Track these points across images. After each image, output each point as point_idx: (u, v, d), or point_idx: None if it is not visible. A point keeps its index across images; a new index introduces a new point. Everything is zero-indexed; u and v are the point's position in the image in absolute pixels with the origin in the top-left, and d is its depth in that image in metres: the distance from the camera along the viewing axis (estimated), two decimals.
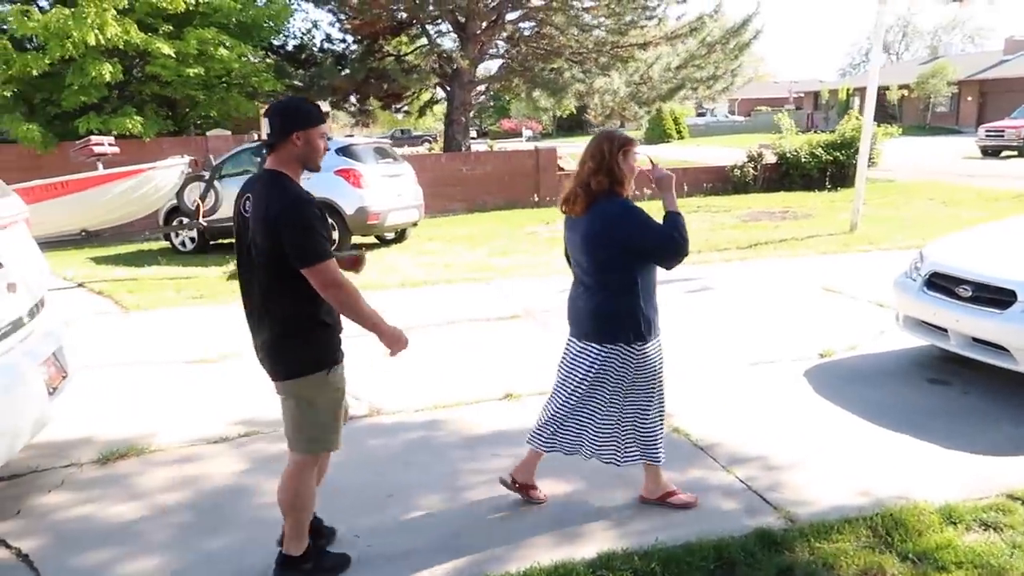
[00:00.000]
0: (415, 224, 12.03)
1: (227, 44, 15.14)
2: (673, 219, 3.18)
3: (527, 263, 9.67)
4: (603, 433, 3.43)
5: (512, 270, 9.29)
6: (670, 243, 3.13)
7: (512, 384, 5.21)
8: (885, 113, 46.27)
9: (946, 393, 4.94)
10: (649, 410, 3.40)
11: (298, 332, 2.76)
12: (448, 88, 19.78)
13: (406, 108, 24.79)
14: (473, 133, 66.49)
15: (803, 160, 17.03)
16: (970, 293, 4.82)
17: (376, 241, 12.08)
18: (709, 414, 4.67)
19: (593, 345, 3.28)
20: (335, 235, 11.42)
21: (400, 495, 3.77)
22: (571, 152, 31.07)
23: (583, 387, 3.34)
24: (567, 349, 3.45)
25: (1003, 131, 26.65)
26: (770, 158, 17.64)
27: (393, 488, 3.84)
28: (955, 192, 16.03)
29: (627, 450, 3.48)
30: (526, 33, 19.43)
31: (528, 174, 16.76)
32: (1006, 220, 6.15)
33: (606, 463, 3.54)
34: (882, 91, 45.79)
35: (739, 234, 11.47)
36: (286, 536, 3.02)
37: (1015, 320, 4.51)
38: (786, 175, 17.34)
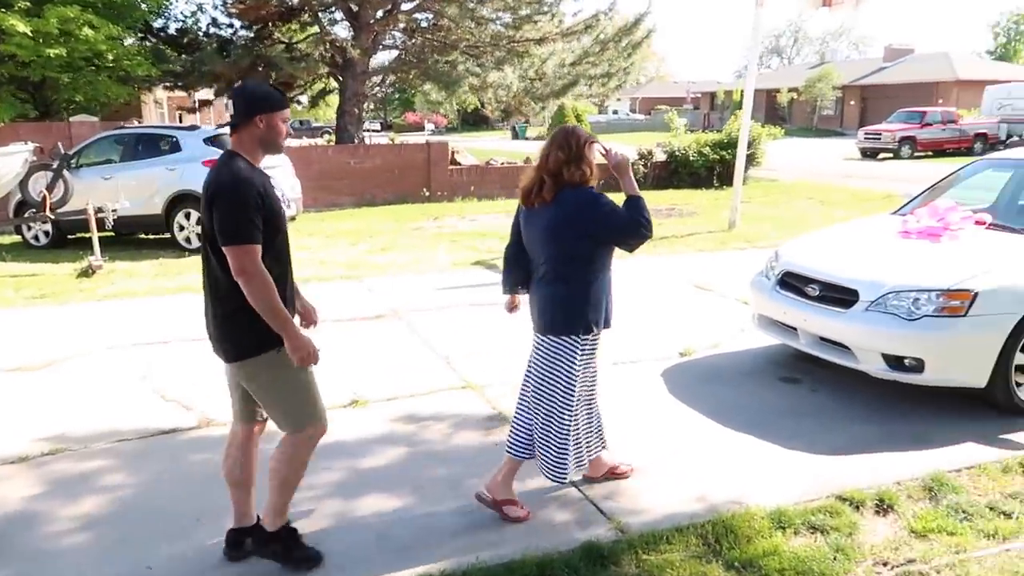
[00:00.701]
0: (293, 219, 11.49)
1: (93, 24, 14.11)
2: (635, 203, 3.22)
3: (406, 260, 9.37)
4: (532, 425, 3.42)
5: (389, 267, 8.97)
6: (634, 226, 3.16)
7: (361, 390, 4.93)
8: (775, 115, 48.31)
9: (796, 392, 4.98)
10: (562, 410, 3.33)
11: (242, 312, 2.68)
12: (341, 78, 19.20)
13: (298, 98, 23.94)
14: (377, 126, 65.64)
15: (691, 159, 17.38)
16: (818, 292, 4.87)
17: None
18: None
19: (548, 337, 3.29)
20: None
21: (210, 518, 3.42)
22: (470, 147, 30.99)
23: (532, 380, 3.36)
24: (533, 346, 3.41)
25: (880, 134, 28.15)
26: (660, 156, 17.91)
27: (204, 510, 3.50)
28: (832, 192, 16.71)
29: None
30: (423, 24, 19.06)
31: (419, 168, 16.40)
32: (856, 221, 6.31)
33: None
34: (773, 94, 47.78)
35: None
36: (269, 509, 2.99)
37: (857, 319, 4.57)
38: (675, 173, 17.65)
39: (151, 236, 11.37)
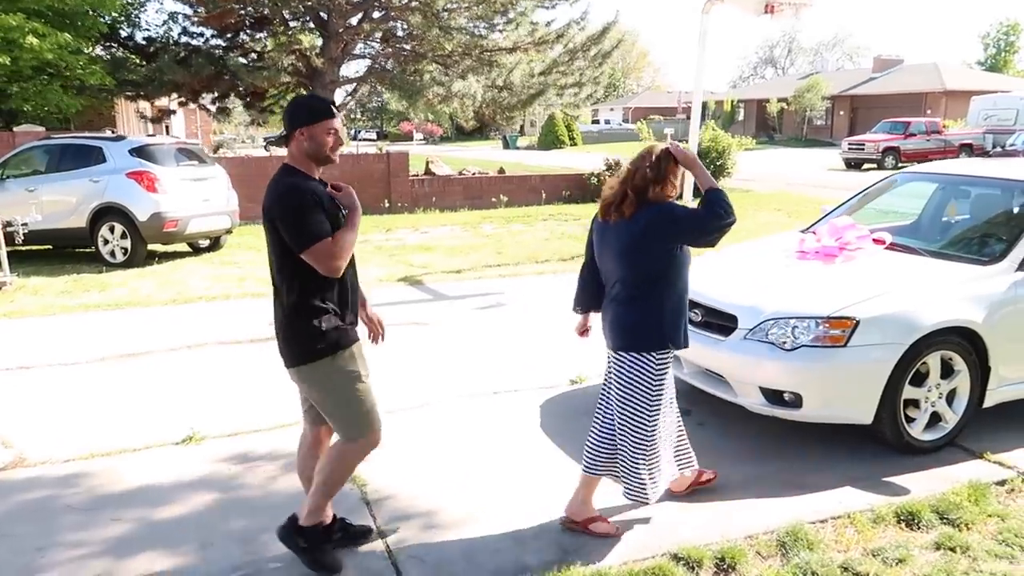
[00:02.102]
0: (229, 231, 11.14)
1: (39, 32, 13.78)
2: (714, 195, 3.17)
3: None
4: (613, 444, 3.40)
5: None
6: (714, 219, 3.11)
7: (204, 424, 4.53)
8: (766, 125, 48.04)
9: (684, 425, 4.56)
10: (645, 428, 3.30)
11: (301, 319, 2.80)
12: (310, 88, 18.90)
13: (271, 107, 23.63)
14: (373, 135, 65.45)
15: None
16: (700, 318, 4.47)
17: (189, 249, 11.12)
18: (408, 456, 4.13)
19: (622, 354, 3.29)
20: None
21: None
22: (459, 157, 30.67)
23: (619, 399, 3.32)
24: (607, 363, 3.45)
25: (864, 144, 27.79)
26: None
27: None
28: (803, 203, 16.31)
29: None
30: (398, 33, 18.76)
31: (379, 179, 16.05)
32: (765, 239, 5.90)
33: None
34: (763, 104, 47.49)
35: (572, 245, 11.13)
36: (306, 504, 3.04)
37: (734, 348, 4.17)
38: None
39: (80, 250, 11.00)
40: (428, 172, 18.61)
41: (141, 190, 9.74)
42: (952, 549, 3.24)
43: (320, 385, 2.88)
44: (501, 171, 20.07)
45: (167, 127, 35.80)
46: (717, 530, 3.38)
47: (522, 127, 60.67)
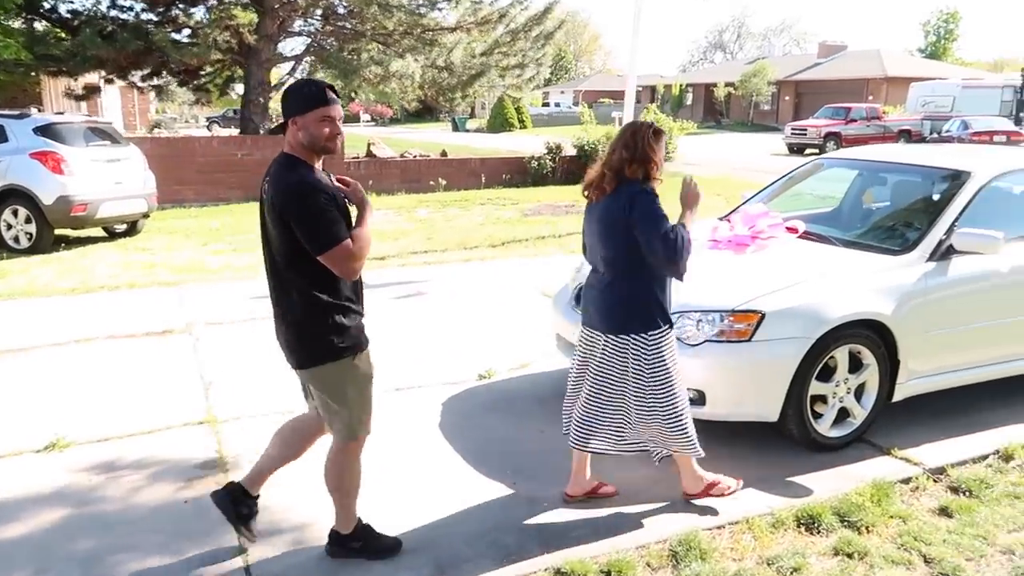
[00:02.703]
0: (146, 216, 10.57)
1: None
2: (677, 231, 3.13)
3: (246, 263, 8.56)
4: (618, 424, 3.35)
5: (223, 271, 8.16)
6: (661, 248, 3.08)
7: (73, 428, 4.16)
8: (714, 109, 48.40)
9: None
10: (671, 400, 3.26)
11: (314, 320, 2.68)
12: (245, 66, 18.21)
13: (206, 86, 22.75)
14: None
15: (601, 152, 16.82)
16: None
17: (104, 234, 10.54)
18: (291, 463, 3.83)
19: (607, 335, 3.25)
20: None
21: None
22: (406, 139, 30.06)
23: (598, 379, 3.31)
24: (582, 340, 3.42)
25: (806, 130, 28.11)
26: (570, 151, 17.35)
27: None
28: (743, 188, 16.28)
29: (654, 440, 3.38)
30: (339, 11, 18.15)
31: None
32: None
33: (639, 453, 3.44)
34: (711, 88, 47.81)
35: (505, 230, 10.89)
36: (336, 516, 3.00)
37: None
38: (585, 167, 16.94)
39: None
40: (369, 154, 18.14)
41: (46, 171, 9.15)
42: (850, 555, 3.10)
43: (336, 386, 2.78)
44: (443, 154, 19.69)
45: (100, 105, 34.43)
46: (608, 540, 3.18)
47: (473, 109, 60.07)
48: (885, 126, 28.23)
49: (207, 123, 44.55)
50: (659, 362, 3.22)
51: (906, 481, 3.72)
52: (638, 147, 3.14)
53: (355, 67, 16.91)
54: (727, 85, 45.46)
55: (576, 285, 4.64)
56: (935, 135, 25.90)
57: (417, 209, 13.43)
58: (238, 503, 3.04)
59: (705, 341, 3.77)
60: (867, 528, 3.30)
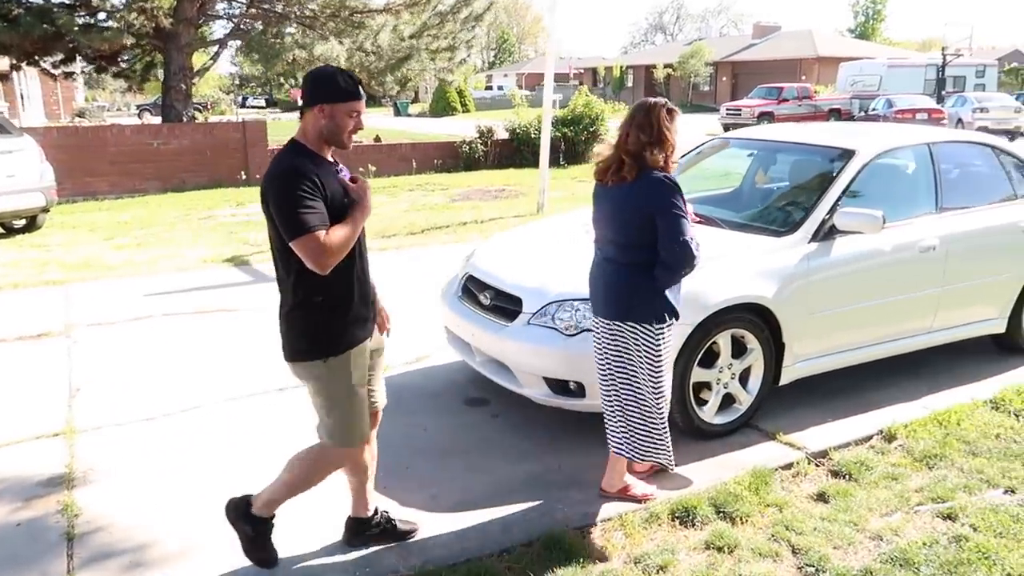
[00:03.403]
0: (45, 210, 10.01)
1: None
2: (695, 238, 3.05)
3: (149, 258, 8.17)
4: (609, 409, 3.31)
5: (122, 268, 7.76)
6: (680, 251, 2.98)
7: None
8: (653, 90, 48.59)
9: (474, 418, 4.23)
10: (649, 399, 3.19)
11: (300, 312, 2.59)
12: (164, 51, 17.48)
13: (126, 73, 21.82)
14: (262, 102, 62.36)
15: (533, 136, 16.62)
16: (489, 301, 4.11)
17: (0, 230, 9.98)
18: (147, 475, 3.60)
19: (607, 321, 3.16)
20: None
21: None
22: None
23: (607, 365, 3.23)
24: (595, 331, 3.28)
25: (740, 110, 28.42)
26: (502, 134, 17.14)
27: None
28: None
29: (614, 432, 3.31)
30: None
31: (235, 149, 15.01)
32: (577, 211, 5.57)
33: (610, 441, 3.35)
34: (651, 70, 48.04)
35: (429, 217, 10.66)
36: (264, 494, 2.85)
37: (517, 334, 3.82)
38: (518, 151, 16.93)
39: None
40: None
41: None
42: (720, 549, 3.02)
43: (313, 384, 2.68)
44: (377, 139, 19.29)
45: (18, 93, 32.83)
46: (474, 544, 3.04)
47: (417, 93, 59.31)
48: (816, 105, 28.73)
49: (138, 111, 42.91)
50: (653, 356, 3.13)
51: (788, 467, 3.67)
52: (654, 129, 2.99)
53: (278, 51, 16.38)
54: (666, 67, 45.75)
55: (464, 275, 4.47)
56: (863, 113, 26.45)
57: None
58: (361, 533, 3.04)
59: (583, 331, 3.64)
60: (743, 519, 3.23)
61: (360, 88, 2.55)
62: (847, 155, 4.37)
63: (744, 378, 3.97)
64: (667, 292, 3.09)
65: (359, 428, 2.74)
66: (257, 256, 8.14)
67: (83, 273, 7.52)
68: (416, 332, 5.45)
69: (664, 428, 3.27)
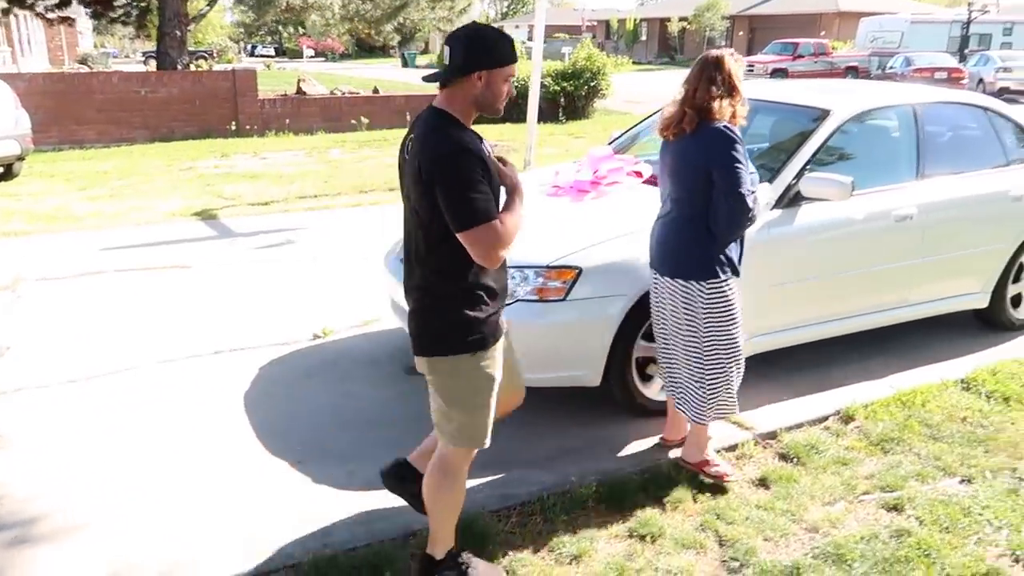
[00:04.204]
0: (20, 158, 9.80)
1: None
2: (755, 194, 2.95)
3: (118, 210, 7.97)
4: (674, 370, 3.20)
5: (88, 219, 7.57)
6: (739, 202, 2.84)
7: None
8: (667, 44, 47.48)
9: (411, 389, 3.99)
10: (720, 355, 3.06)
11: (443, 303, 2.34)
12: None
13: (122, 19, 21.36)
14: (272, 51, 61.57)
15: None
16: None
17: None
18: (60, 441, 3.43)
19: (664, 278, 3.08)
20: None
21: None
22: (355, 76, 28.76)
23: (666, 322, 3.14)
24: (653, 284, 3.18)
25: (753, 66, 27.60)
26: None
27: None
28: None
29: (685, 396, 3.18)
30: None
31: (225, 99, 14.66)
32: (541, 169, 5.28)
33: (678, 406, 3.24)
34: (664, 22, 46.80)
35: None
36: (433, 537, 2.59)
37: None
38: (515, 105, 16.39)
39: None
40: (299, 91, 17.24)
41: None
42: (643, 537, 2.83)
43: (453, 382, 2.41)
44: (375, 91, 18.84)
45: (17, 39, 32.37)
46: (380, 527, 2.86)
47: (427, 44, 58.34)
48: (832, 62, 27.87)
49: (144, 58, 42.35)
50: (715, 313, 3.00)
51: (732, 448, 3.46)
52: (727, 80, 2.89)
53: None
54: (681, 20, 44.51)
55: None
56: (880, 71, 25.62)
57: (331, 150, 12.80)
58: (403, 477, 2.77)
59: (517, 301, 3.41)
60: (674, 505, 3.03)
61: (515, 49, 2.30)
62: (821, 115, 4.05)
63: None
64: (720, 248, 2.97)
65: (489, 427, 2.51)
66: (227, 210, 7.91)
67: (47, 225, 7.33)
68: (369, 293, 5.22)
69: (737, 383, 3.15)
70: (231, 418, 3.67)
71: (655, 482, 3.14)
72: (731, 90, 2.91)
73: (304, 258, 6.27)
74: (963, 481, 3.22)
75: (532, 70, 10.24)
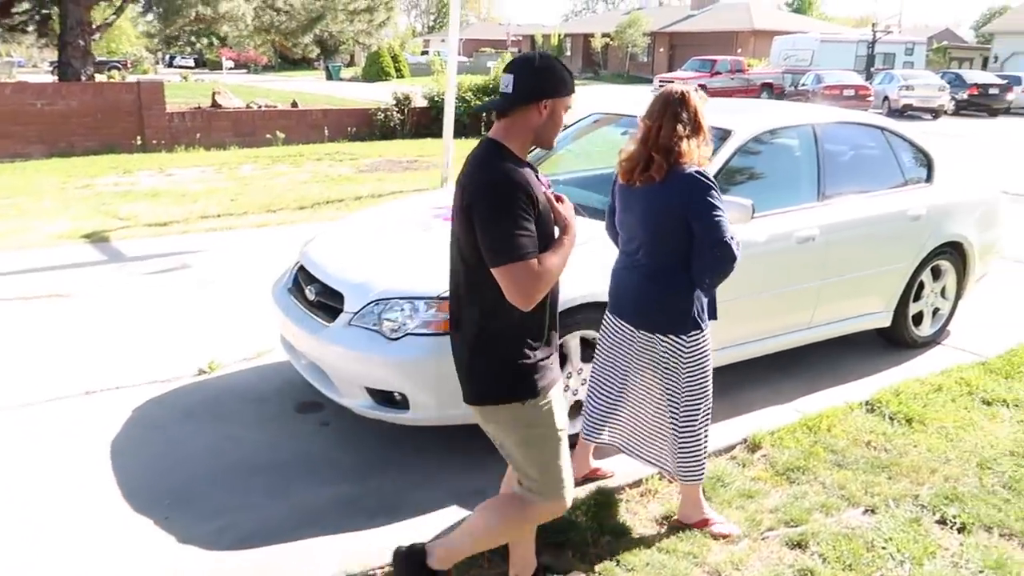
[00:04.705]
0: None
1: None
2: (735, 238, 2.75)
3: (2, 232, 7.37)
4: (644, 428, 3.07)
5: None
6: (724, 251, 2.68)
7: None
8: (591, 60, 48.20)
9: (300, 427, 3.75)
10: (694, 411, 2.92)
11: (497, 347, 2.17)
12: (61, 4, 16.24)
13: (22, 26, 20.23)
14: (191, 62, 59.75)
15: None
16: (314, 296, 3.61)
17: None
18: None
19: (639, 332, 2.90)
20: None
21: None
22: (276, 88, 27.99)
23: (628, 373, 3.00)
24: (607, 328, 3.05)
25: (673, 81, 28.16)
26: (421, 102, 16.46)
27: None
28: None
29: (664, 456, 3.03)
30: None
31: (129, 112, 13.96)
32: (424, 194, 5.07)
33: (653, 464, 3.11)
34: (588, 38, 47.52)
35: (327, 189, 10.02)
36: (443, 547, 2.42)
37: (336, 336, 3.34)
38: (436, 120, 16.19)
39: None
40: (215, 104, 16.62)
41: None
42: None
43: (510, 430, 2.27)
44: (294, 104, 18.34)
45: None
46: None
47: (352, 57, 57.68)
48: (748, 79, 28.72)
49: (51, 67, 40.47)
50: (695, 367, 2.87)
51: (636, 484, 3.31)
52: (692, 118, 2.71)
53: (178, 7, 15.31)
54: (604, 36, 45.24)
55: (296, 264, 3.95)
56: (793, 88, 26.52)
57: (243, 165, 12.30)
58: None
59: (407, 334, 3.19)
60: (574, 551, 2.85)
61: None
62: (723, 135, 3.98)
63: None
64: (699, 299, 2.84)
65: (568, 477, 2.34)
66: (121, 232, 7.43)
67: None
68: (264, 322, 4.90)
69: (704, 441, 3.00)
70: (95, 469, 3.32)
71: (553, 525, 2.95)
72: (697, 129, 2.74)
73: (197, 284, 5.89)
74: (867, 511, 3.15)
75: (447, 85, 10.07)
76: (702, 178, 2.68)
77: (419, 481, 3.23)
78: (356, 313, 3.31)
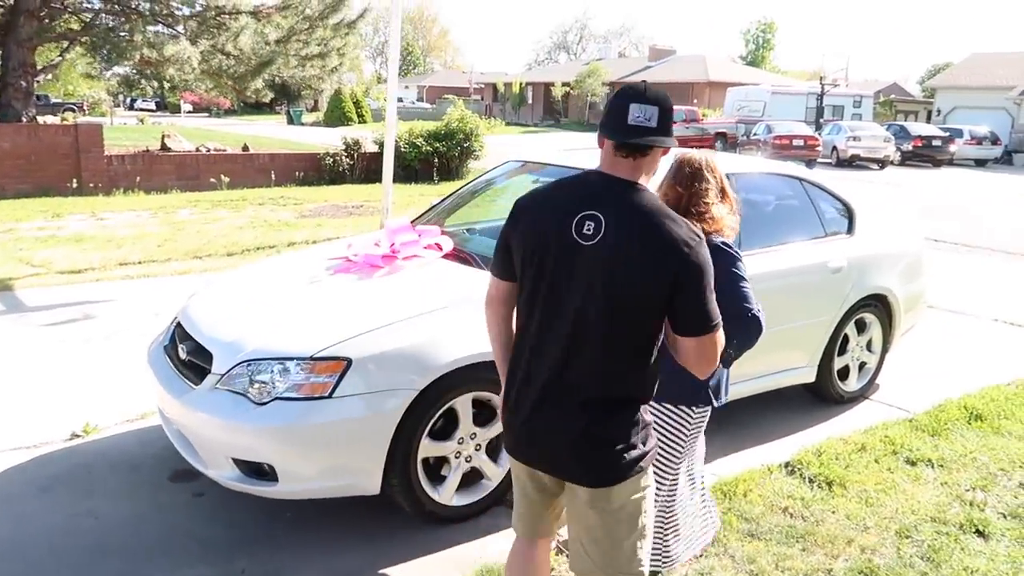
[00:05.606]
0: None
1: None
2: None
3: None
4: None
5: None
6: (752, 323, 2.57)
7: None
8: (552, 108, 48.88)
9: (171, 498, 3.41)
10: (682, 482, 2.86)
11: (631, 418, 1.94)
12: (3, 44, 15.85)
13: None
14: (153, 105, 59.28)
15: (403, 150, 15.90)
16: (186, 355, 3.31)
17: None
18: None
19: (663, 405, 2.69)
20: None
21: None
22: (236, 132, 27.70)
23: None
24: None
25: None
26: (371, 147, 16.32)
27: None
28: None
29: None
30: None
31: (65, 154, 13.57)
32: (329, 244, 4.79)
33: None
34: (549, 87, 48.25)
35: (263, 235, 9.73)
36: None
37: (199, 401, 3.04)
38: (379, 166, 16.11)
39: None
40: (164, 147, 16.30)
41: None
42: None
43: (634, 504, 2.00)
44: (245, 148, 18.08)
45: None
46: None
47: (316, 103, 57.79)
48: (703, 128, 29.21)
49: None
50: (686, 440, 2.77)
51: (558, 553, 3.03)
52: (719, 186, 2.61)
53: (123, 49, 15.03)
54: (564, 85, 45.98)
55: (174, 322, 3.65)
56: (746, 137, 27.01)
57: (181, 210, 11.95)
58: None
59: (275, 399, 2.90)
60: None
61: None
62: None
63: (494, 448, 3.32)
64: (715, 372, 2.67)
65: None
66: (30, 279, 7.03)
67: None
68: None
69: (673, 524, 2.87)
70: None
71: None
72: (724, 196, 2.63)
73: (96, 337, 5.52)
74: None
75: (387, 131, 9.92)
76: (729, 249, 2.56)
77: (288, 561, 2.92)
78: (223, 375, 3.02)
